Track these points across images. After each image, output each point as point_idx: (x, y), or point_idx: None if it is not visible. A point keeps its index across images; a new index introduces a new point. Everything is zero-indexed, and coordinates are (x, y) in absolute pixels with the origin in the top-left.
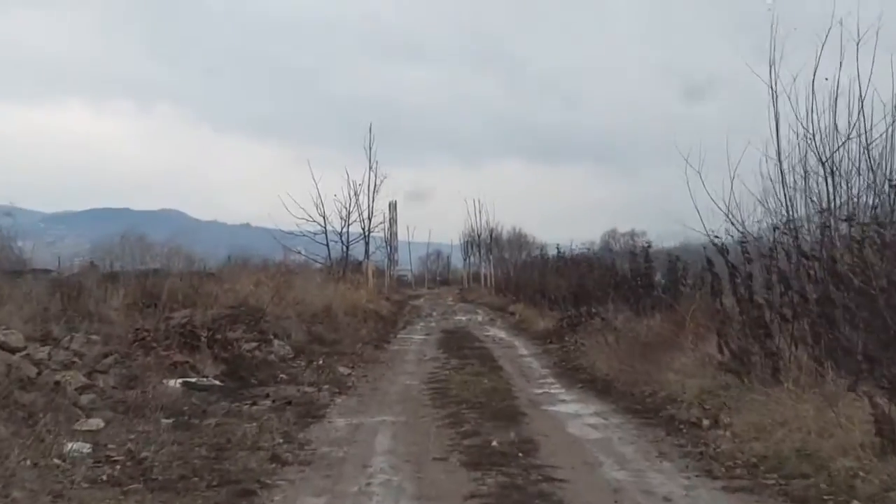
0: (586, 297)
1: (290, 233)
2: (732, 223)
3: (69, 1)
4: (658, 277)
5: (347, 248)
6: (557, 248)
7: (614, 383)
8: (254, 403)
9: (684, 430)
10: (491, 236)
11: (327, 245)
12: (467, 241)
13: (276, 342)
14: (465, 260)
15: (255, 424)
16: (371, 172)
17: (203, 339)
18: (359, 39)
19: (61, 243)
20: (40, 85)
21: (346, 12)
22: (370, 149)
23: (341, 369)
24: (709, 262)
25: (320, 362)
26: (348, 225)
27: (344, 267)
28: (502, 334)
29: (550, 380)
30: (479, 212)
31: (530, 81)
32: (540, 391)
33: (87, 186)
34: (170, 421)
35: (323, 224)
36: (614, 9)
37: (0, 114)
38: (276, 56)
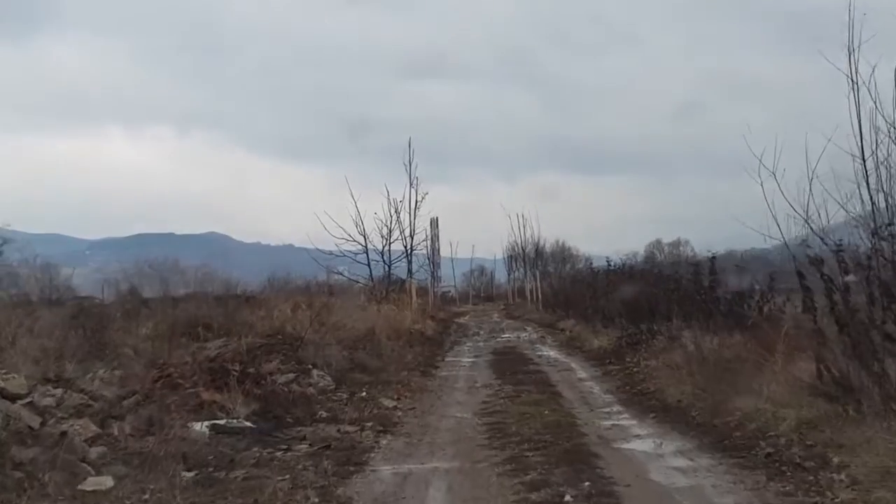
0: (647, 313)
1: (331, 253)
2: (812, 229)
3: (104, 29)
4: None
5: (389, 266)
6: (608, 261)
7: (690, 411)
8: (288, 449)
9: (788, 474)
10: (536, 250)
11: (368, 265)
12: (510, 256)
13: (315, 373)
14: (509, 275)
15: (287, 478)
16: (412, 189)
17: (234, 373)
18: (392, 60)
19: (107, 269)
20: (80, 113)
21: (379, 33)
22: (410, 164)
23: (386, 401)
24: (800, 275)
25: (363, 394)
26: (389, 243)
27: (387, 287)
28: (555, 354)
29: (617, 408)
30: (523, 225)
31: (566, 94)
32: (609, 423)
33: (131, 212)
34: (191, 475)
35: (364, 243)
36: (650, 18)
37: (41, 144)
38: (312, 78)
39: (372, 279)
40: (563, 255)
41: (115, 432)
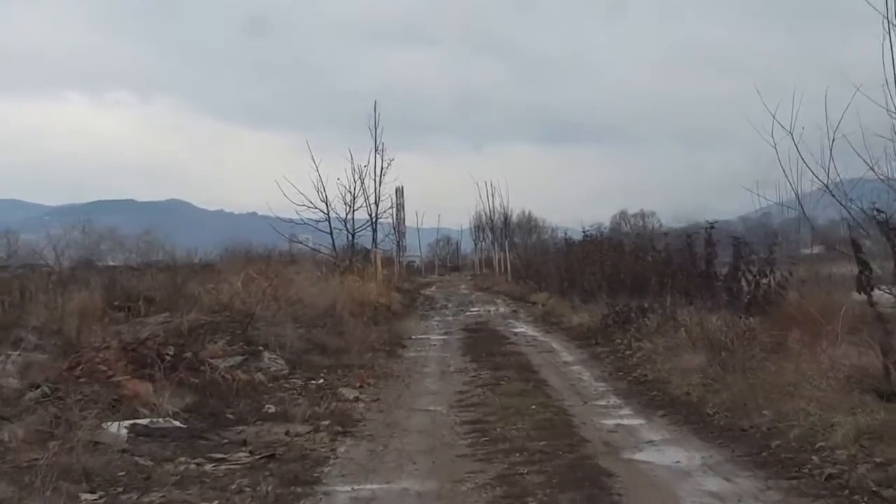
0: (635, 288)
1: (291, 221)
2: (835, 197)
3: None
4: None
5: (353, 235)
6: (584, 231)
7: (704, 408)
8: (223, 460)
9: None
10: (506, 220)
11: (331, 233)
12: (477, 226)
13: (266, 355)
14: (475, 245)
15: None
16: (377, 154)
17: (167, 359)
18: (359, 27)
19: (69, 237)
20: (39, 78)
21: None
22: (376, 129)
23: (346, 391)
24: (855, 245)
25: (320, 381)
26: (353, 211)
27: (350, 257)
28: (532, 331)
29: (615, 400)
30: (492, 195)
31: (537, 65)
32: (611, 423)
33: (91, 178)
34: (94, 498)
35: (326, 211)
36: None
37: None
38: (276, 45)
39: (335, 249)
40: (529, 225)
41: (6, 438)
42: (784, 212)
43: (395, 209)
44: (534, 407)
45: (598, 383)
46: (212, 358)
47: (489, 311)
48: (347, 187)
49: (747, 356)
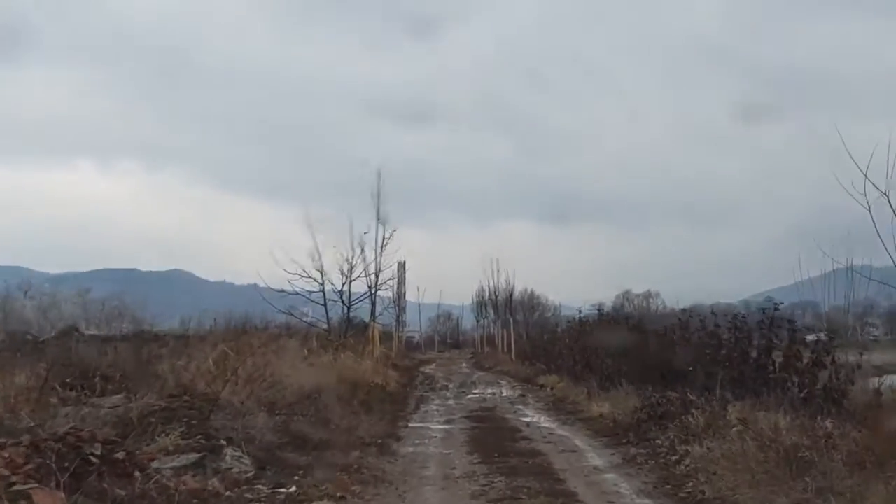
0: (672, 376)
1: (283, 291)
2: None
3: (73, 61)
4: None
5: (349, 308)
6: (599, 310)
7: None
8: None
9: None
10: (510, 297)
11: (325, 305)
12: (479, 302)
13: (228, 452)
14: (477, 321)
15: None
16: (379, 224)
17: (92, 460)
18: (365, 102)
19: (66, 305)
20: (47, 145)
21: (351, 73)
22: (378, 197)
23: None
24: None
25: (291, 489)
26: (350, 282)
27: (345, 331)
28: (547, 422)
29: None
30: (497, 271)
31: (539, 142)
32: None
33: (94, 247)
34: None
35: (320, 280)
36: (623, 66)
37: (8, 175)
38: (283, 118)
39: (329, 322)
40: (531, 303)
41: None
42: (789, 295)
43: (396, 282)
44: None
45: (643, 500)
46: (153, 459)
47: (494, 395)
48: (345, 256)
49: (841, 476)
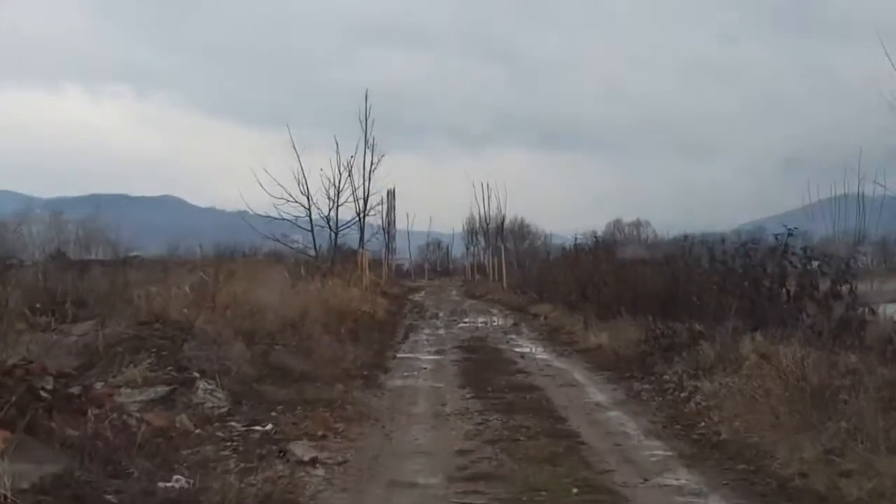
0: (679, 307)
1: (269, 217)
2: None
3: None
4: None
5: (336, 234)
6: (595, 237)
7: None
8: None
9: None
10: (502, 224)
11: (312, 231)
12: (470, 230)
13: (201, 385)
14: (467, 249)
15: None
16: (367, 148)
17: (42, 396)
18: (355, 26)
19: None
20: (37, 69)
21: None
22: (366, 120)
23: (300, 448)
24: None
25: (268, 427)
26: (337, 207)
27: (332, 259)
28: (543, 353)
29: (686, 476)
30: (488, 198)
31: (536, 70)
32: None
33: (86, 171)
34: None
35: (307, 205)
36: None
37: None
38: (274, 44)
39: (316, 249)
40: (521, 231)
41: None
42: (777, 226)
43: (385, 208)
44: (575, 491)
45: (652, 442)
46: (111, 394)
47: (486, 324)
48: (332, 180)
49: (871, 416)
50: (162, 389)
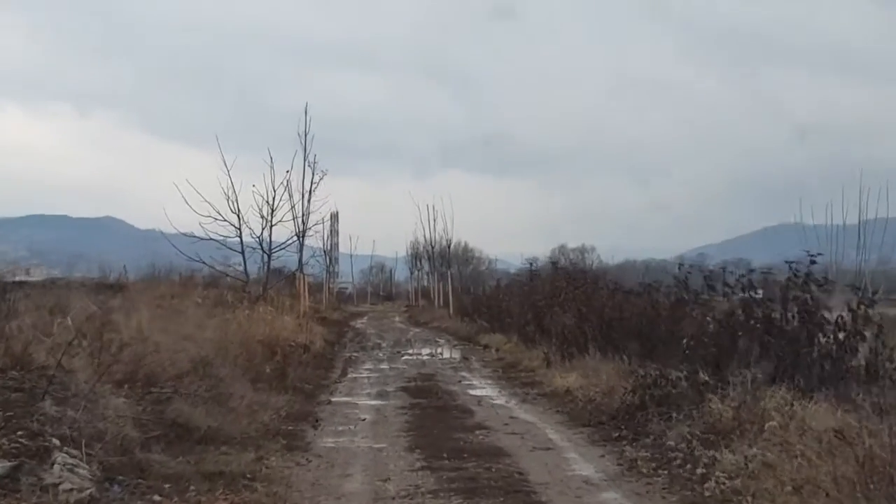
0: (665, 344)
1: (194, 236)
2: None
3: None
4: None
5: (269, 255)
6: (553, 262)
7: None
8: None
9: None
10: (448, 248)
11: (242, 252)
12: (414, 254)
13: (59, 459)
14: (411, 273)
15: None
16: (306, 164)
17: None
18: (301, 50)
19: None
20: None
21: (284, 21)
22: (306, 136)
23: None
24: None
25: None
26: (271, 226)
27: (264, 283)
28: (502, 397)
29: None
30: (434, 220)
31: (480, 93)
32: None
33: (25, 192)
34: None
35: (237, 224)
36: (561, 19)
37: None
38: (222, 66)
39: (246, 271)
40: (465, 256)
41: None
42: (720, 253)
43: (327, 231)
44: None
45: None
46: None
47: (433, 357)
48: (265, 197)
49: None
50: (2, 466)
